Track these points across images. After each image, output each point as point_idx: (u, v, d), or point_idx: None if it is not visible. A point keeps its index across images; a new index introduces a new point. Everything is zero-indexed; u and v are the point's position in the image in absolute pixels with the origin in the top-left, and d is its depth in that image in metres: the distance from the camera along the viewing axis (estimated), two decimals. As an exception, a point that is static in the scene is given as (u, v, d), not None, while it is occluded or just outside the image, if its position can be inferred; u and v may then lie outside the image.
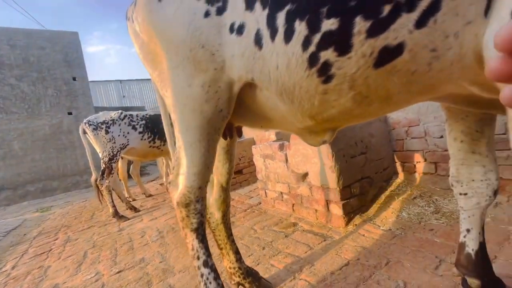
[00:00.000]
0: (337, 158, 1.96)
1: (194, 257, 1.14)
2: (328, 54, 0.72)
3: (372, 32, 0.66)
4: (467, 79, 0.69)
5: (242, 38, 0.87)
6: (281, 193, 2.55)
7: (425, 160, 2.16)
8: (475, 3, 0.57)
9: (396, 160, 2.40)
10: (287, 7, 0.76)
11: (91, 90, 9.75)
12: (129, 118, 3.85)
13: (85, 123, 3.62)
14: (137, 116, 3.95)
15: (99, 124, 3.60)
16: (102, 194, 3.63)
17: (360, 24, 0.66)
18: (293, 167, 2.34)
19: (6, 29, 7.79)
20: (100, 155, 3.64)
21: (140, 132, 3.87)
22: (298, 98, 0.85)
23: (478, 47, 0.60)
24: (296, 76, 0.80)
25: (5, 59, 7.63)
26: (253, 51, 0.85)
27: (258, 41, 0.83)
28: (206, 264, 1.14)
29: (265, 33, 0.81)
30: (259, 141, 3.92)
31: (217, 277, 1.15)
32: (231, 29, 0.88)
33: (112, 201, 3.54)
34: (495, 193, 1.03)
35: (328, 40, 0.71)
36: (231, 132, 1.24)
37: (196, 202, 1.12)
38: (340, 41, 0.70)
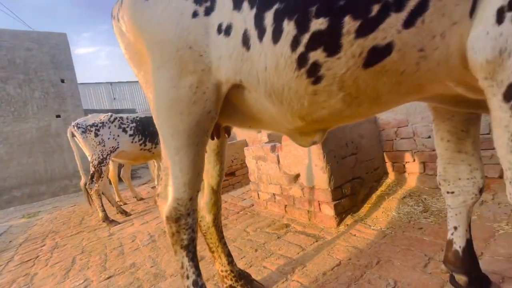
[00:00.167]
0: (328, 159, 1.97)
1: (184, 275, 1.09)
2: (317, 55, 0.72)
3: (361, 32, 0.66)
4: (453, 80, 0.71)
5: (229, 39, 0.85)
6: (274, 194, 2.56)
7: (414, 160, 2.20)
8: (461, 4, 0.58)
9: (386, 161, 2.43)
10: (275, 6, 0.75)
11: (81, 92, 9.56)
12: (119, 120, 3.79)
13: (73, 126, 3.54)
14: (127, 118, 3.90)
15: (88, 127, 3.53)
16: (91, 198, 3.56)
17: (349, 24, 0.66)
18: (285, 169, 2.35)
19: (-9, 30, 7.58)
20: (89, 158, 3.57)
21: (130, 135, 3.82)
22: (288, 99, 0.84)
23: (463, 48, 0.62)
24: (285, 77, 0.79)
25: (-11, 60, 7.41)
26: (240, 52, 0.84)
27: (245, 41, 0.82)
28: (195, 284, 1.09)
29: (253, 34, 0.80)
30: (252, 142, 3.92)
31: None
32: (219, 30, 0.87)
33: (102, 205, 3.47)
34: (481, 191, 1.06)
35: (317, 40, 0.71)
36: (219, 132, 1.22)
37: (187, 216, 1.06)
38: (329, 41, 0.69)
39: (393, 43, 0.64)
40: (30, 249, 3.13)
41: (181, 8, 0.91)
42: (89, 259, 2.42)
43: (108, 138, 3.59)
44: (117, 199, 4.55)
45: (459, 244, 1.09)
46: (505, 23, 0.56)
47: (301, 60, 0.74)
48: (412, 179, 2.24)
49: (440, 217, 1.74)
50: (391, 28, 0.63)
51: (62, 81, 8.37)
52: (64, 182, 8.00)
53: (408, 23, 0.62)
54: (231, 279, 1.38)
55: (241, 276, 1.41)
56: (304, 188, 2.19)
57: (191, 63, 0.92)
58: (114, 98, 16.23)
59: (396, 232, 1.71)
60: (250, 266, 1.69)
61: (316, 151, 2.00)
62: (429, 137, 2.08)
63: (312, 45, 0.71)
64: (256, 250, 1.89)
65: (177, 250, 1.08)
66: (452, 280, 1.11)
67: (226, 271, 1.40)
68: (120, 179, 4.78)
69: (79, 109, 8.52)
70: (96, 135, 3.51)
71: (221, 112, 1.03)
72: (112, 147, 3.63)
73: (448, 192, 1.10)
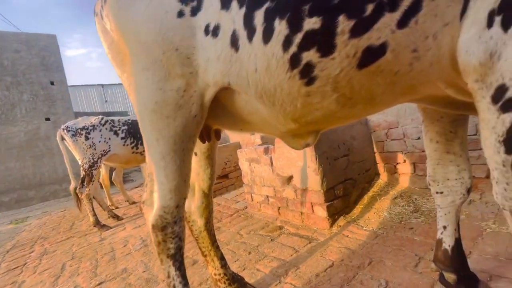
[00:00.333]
0: (321, 160, 1.99)
1: (170, 285, 1.06)
2: (310, 55, 0.70)
3: (355, 32, 0.65)
4: (444, 81, 0.72)
5: (217, 40, 0.82)
6: (267, 196, 2.56)
7: (404, 161, 2.24)
8: (452, 5, 0.59)
9: (378, 162, 2.47)
10: (266, 5, 0.73)
11: (71, 95, 9.40)
12: (110, 123, 3.73)
13: (63, 129, 3.47)
14: (119, 121, 3.84)
15: (79, 130, 3.46)
16: (81, 203, 3.49)
17: (344, 23, 0.65)
18: (278, 171, 2.35)
19: (-23, 31, 7.40)
20: (79, 162, 3.50)
21: (122, 138, 3.76)
22: (280, 100, 0.82)
23: (453, 50, 0.63)
24: (277, 78, 0.77)
25: (-25, 62, 7.22)
26: (229, 54, 0.81)
27: (234, 42, 0.79)
28: None
29: (242, 34, 0.77)
30: (245, 145, 3.92)
31: None
32: (206, 31, 0.83)
33: (93, 210, 3.40)
34: (469, 191, 1.08)
35: (310, 40, 0.69)
36: (209, 135, 1.19)
37: (174, 224, 1.02)
38: (323, 41, 0.68)
39: (387, 43, 0.64)
40: (17, 256, 3.04)
41: (165, 6, 0.87)
42: (79, 265, 2.37)
43: (99, 141, 3.53)
44: (108, 203, 4.48)
45: (448, 243, 1.11)
46: (495, 27, 0.57)
47: (294, 61, 0.72)
48: (403, 179, 2.28)
49: (430, 217, 1.77)
50: (385, 28, 0.63)
51: (52, 83, 8.21)
52: (54, 186, 7.82)
53: (402, 23, 0.62)
54: (225, 283, 1.37)
55: (235, 279, 1.40)
56: (297, 190, 2.20)
57: (178, 66, 0.88)
58: (106, 101, 16.01)
59: (387, 233, 1.73)
60: (244, 269, 1.68)
61: (308, 152, 2.01)
62: (419, 138, 2.12)
63: (305, 45, 0.70)
64: (249, 253, 1.88)
65: (164, 259, 1.05)
66: (442, 278, 1.13)
67: (219, 274, 1.39)
68: (112, 183, 4.70)
69: (69, 112, 8.36)
70: (87, 138, 3.45)
71: (211, 114, 1.00)
72: (103, 150, 3.57)
73: (437, 192, 1.12)
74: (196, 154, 1.29)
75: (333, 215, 2.02)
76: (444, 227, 1.13)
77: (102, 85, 16.05)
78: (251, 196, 2.80)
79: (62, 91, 8.36)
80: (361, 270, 1.41)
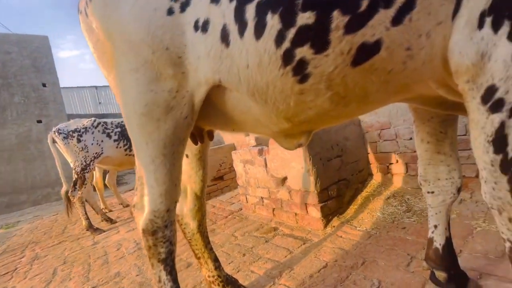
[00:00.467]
0: (314, 161, 2.00)
1: None
2: (304, 51, 0.68)
3: (350, 28, 0.64)
4: (435, 81, 0.72)
5: (207, 36, 0.79)
6: (262, 198, 2.56)
7: (397, 161, 2.27)
8: (445, 4, 0.60)
9: (371, 162, 2.49)
10: None
11: (64, 97, 9.28)
12: (103, 125, 3.69)
13: (54, 131, 3.43)
14: (112, 123, 3.81)
15: (70, 133, 3.42)
16: (71, 207, 3.44)
17: (338, 19, 0.63)
18: (273, 172, 2.35)
19: (-34, 32, 7.26)
20: (71, 165, 3.45)
21: (115, 140, 3.73)
22: (272, 98, 0.79)
23: (445, 49, 0.63)
24: (269, 75, 0.74)
25: (-35, 64, 7.09)
26: (219, 50, 0.78)
27: (224, 37, 0.76)
28: None
29: (233, 28, 0.74)
30: (240, 146, 3.92)
31: None
32: (196, 27, 0.80)
33: (86, 213, 3.35)
34: (459, 190, 1.10)
35: (304, 36, 0.67)
36: (202, 136, 1.17)
37: (164, 228, 1.00)
38: (317, 37, 0.66)
39: (381, 41, 0.64)
40: (7, 261, 2.98)
41: (153, 3, 0.83)
42: (71, 269, 2.33)
43: (92, 144, 3.49)
44: (102, 206, 4.42)
45: (439, 242, 1.13)
46: (485, 28, 0.58)
47: (287, 57, 0.70)
48: (395, 179, 2.30)
49: (422, 216, 1.79)
50: (379, 25, 0.62)
51: (44, 85, 8.10)
52: (46, 190, 7.69)
53: (397, 20, 0.61)
54: (219, 285, 1.36)
55: (229, 281, 1.39)
56: (291, 191, 2.20)
57: (170, 66, 0.85)
58: (100, 103, 15.83)
59: (380, 233, 1.74)
60: (238, 271, 1.67)
61: (302, 153, 2.02)
62: (411, 138, 2.15)
63: (298, 41, 0.68)
64: (244, 255, 1.87)
65: (154, 264, 1.03)
66: (433, 276, 1.14)
67: (213, 276, 1.38)
68: (105, 186, 4.64)
69: (62, 114, 8.25)
70: (79, 140, 3.41)
71: (203, 115, 0.98)
72: (96, 153, 3.53)
73: (428, 192, 1.13)
74: (187, 156, 1.27)
75: (327, 215, 2.03)
76: (435, 226, 1.14)
77: (96, 87, 15.88)
78: (246, 198, 2.79)
79: (54, 93, 8.26)
80: (355, 270, 1.42)
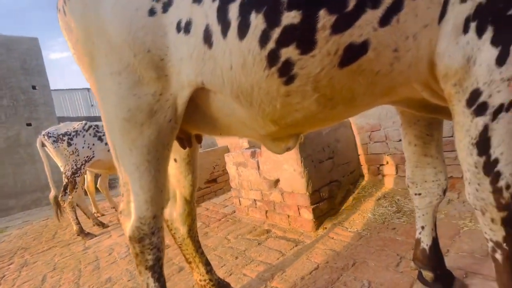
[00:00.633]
0: (306, 163, 2.01)
1: None
2: (289, 52, 0.67)
3: (337, 28, 0.62)
4: (420, 83, 0.73)
5: (189, 37, 0.76)
6: (255, 200, 2.56)
7: (387, 162, 2.30)
8: (432, 7, 0.60)
9: (362, 164, 2.52)
10: None
11: (55, 99, 9.14)
12: (94, 128, 3.65)
13: (43, 135, 3.37)
14: (103, 126, 3.76)
15: (60, 136, 3.37)
16: (61, 212, 3.38)
17: (325, 19, 0.62)
18: (265, 174, 2.36)
19: (-47, 33, 7.09)
20: (61, 169, 3.39)
21: (107, 143, 3.68)
22: (258, 101, 0.77)
23: (431, 53, 0.64)
24: (254, 77, 0.72)
25: (-49, 66, 6.92)
26: (202, 51, 0.75)
27: (207, 38, 0.73)
28: None
29: (216, 29, 0.72)
30: (233, 148, 3.92)
31: None
32: (178, 28, 0.77)
33: (76, 218, 3.30)
34: (444, 191, 1.12)
35: (289, 36, 0.65)
36: (189, 141, 1.15)
37: (151, 235, 0.98)
38: (303, 37, 0.65)
39: (369, 41, 0.63)
40: (-5, 268, 2.91)
41: (135, 3, 0.79)
42: (61, 276, 2.29)
43: (83, 147, 3.44)
44: (94, 210, 4.36)
45: (426, 243, 1.15)
46: (470, 33, 0.59)
47: (272, 58, 0.68)
48: (386, 180, 2.34)
49: (411, 216, 1.82)
50: (367, 25, 0.62)
51: (34, 87, 7.96)
52: (36, 194, 7.54)
53: (384, 21, 0.61)
54: (210, 289, 1.36)
55: (220, 285, 1.39)
56: (283, 193, 2.21)
57: (152, 68, 0.82)
58: (92, 105, 15.62)
59: (371, 234, 1.77)
60: (230, 274, 1.67)
61: (294, 156, 2.04)
62: (400, 140, 2.17)
63: (283, 41, 0.66)
64: (236, 258, 1.87)
65: (142, 271, 1.01)
66: (420, 276, 1.16)
67: (205, 280, 1.38)
68: (97, 189, 4.58)
69: (52, 117, 8.12)
70: (69, 144, 3.36)
71: (189, 119, 0.96)
72: (87, 156, 3.48)
73: (416, 194, 1.16)
74: (176, 161, 1.26)
75: (319, 217, 2.05)
76: (422, 227, 1.16)
77: (88, 89, 15.66)
78: (239, 200, 2.79)
79: (44, 95, 8.12)
80: (345, 271, 1.43)
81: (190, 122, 0.99)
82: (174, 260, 2.04)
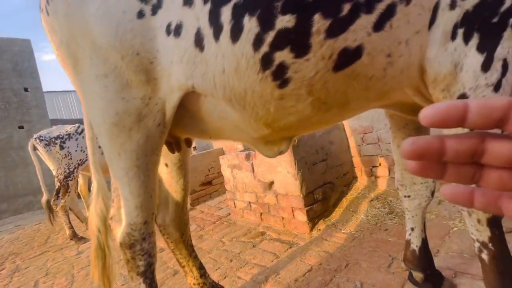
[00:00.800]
0: (300, 165, 2.03)
1: None
2: (283, 55, 0.66)
3: (331, 32, 0.63)
4: (412, 88, 0.75)
5: (180, 40, 0.74)
6: (249, 202, 2.57)
7: (380, 164, 2.33)
8: (422, 14, 0.62)
9: (355, 165, 2.55)
10: (234, 0, 0.67)
11: (48, 101, 9.04)
12: (88, 131, 3.61)
13: (35, 138, 3.33)
14: (96, 129, 3.73)
15: (53, 139, 3.33)
16: (54, 216, 3.34)
17: (319, 23, 0.62)
18: (260, 176, 2.37)
19: None
20: (54, 172, 3.36)
21: (100, 146, 3.65)
22: (251, 104, 0.77)
23: (421, 58, 0.66)
24: (248, 80, 0.72)
25: None
26: (193, 54, 0.74)
27: (198, 41, 0.72)
28: None
29: (207, 32, 0.71)
30: (228, 151, 3.92)
31: None
32: (168, 31, 0.75)
33: (69, 222, 3.26)
34: (433, 193, 1.15)
35: (283, 39, 0.65)
36: (179, 145, 1.14)
37: (142, 240, 0.97)
38: (297, 41, 0.65)
39: (363, 46, 0.64)
40: (-14, 274, 2.85)
41: (122, 5, 0.77)
42: (53, 281, 2.26)
43: (76, 151, 3.41)
44: (87, 214, 4.31)
45: (416, 244, 1.17)
46: (458, 39, 0.61)
47: (266, 61, 0.68)
48: (378, 182, 2.37)
49: (403, 217, 1.84)
50: (361, 30, 0.62)
51: (26, 89, 7.86)
52: (28, 198, 7.42)
53: (378, 26, 0.62)
54: (204, 292, 1.36)
55: (214, 288, 1.39)
56: (278, 195, 2.22)
57: (142, 72, 0.80)
58: (85, 107, 15.44)
59: (364, 235, 1.79)
60: (225, 277, 1.68)
61: (287, 158, 2.05)
62: (392, 142, 2.22)
63: (277, 45, 0.66)
64: (231, 261, 1.88)
65: (134, 277, 1.00)
66: (411, 277, 1.19)
67: (199, 284, 1.38)
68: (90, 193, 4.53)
69: (45, 120, 8.01)
70: (62, 147, 3.32)
71: (178, 123, 0.95)
72: (80, 160, 3.45)
73: (405, 196, 1.18)
74: (167, 165, 1.26)
75: (313, 219, 2.06)
76: (412, 229, 1.19)
77: (81, 91, 15.49)
78: (234, 203, 2.80)
79: (37, 97, 8.02)
80: (338, 273, 1.45)
81: (179, 126, 0.98)
82: (168, 263, 2.03)
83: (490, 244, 0.80)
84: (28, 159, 7.35)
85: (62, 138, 3.37)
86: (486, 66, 0.63)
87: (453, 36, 0.62)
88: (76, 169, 3.41)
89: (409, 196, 1.17)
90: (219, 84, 0.75)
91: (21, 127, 7.63)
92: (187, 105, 0.88)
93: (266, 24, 0.65)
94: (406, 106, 0.94)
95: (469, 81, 0.65)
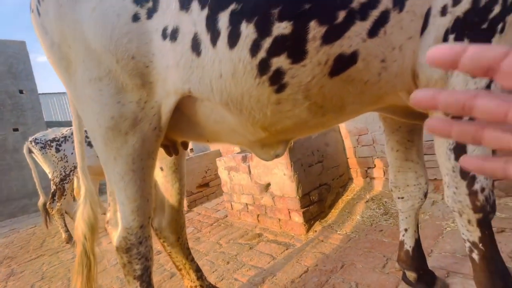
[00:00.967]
0: (296, 167, 2.05)
1: None
2: (280, 61, 0.68)
3: (327, 39, 0.64)
4: (406, 92, 0.77)
5: (176, 45, 0.74)
6: (246, 204, 2.58)
7: (375, 165, 2.36)
8: (415, 20, 0.64)
9: (351, 167, 2.57)
10: (232, 7, 0.67)
11: (44, 103, 8.97)
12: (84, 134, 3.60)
13: (30, 141, 3.31)
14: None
15: (48, 142, 3.31)
16: (50, 219, 3.32)
17: (315, 30, 0.64)
18: (256, 178, 2.38)
19: None
20: (49, 175, 3.34)
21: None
22: (248, 108, 0.77)
23: (414, 63, 0.68)
24: (245, 85, 0.73)
25: None
26: (189, 59, 0.74)
27: (195, 46, 0.73)
28: None
29: (205, 38, 0.71)
30: (225, 153, 3.93)
31: None
32: (164, 35, 0.75)
33: (65, 226, 3.24)
34: (425, 195, 1.17)
35: (280, 46, 0.66)
36: (176, 148, 1.14)
37: (139, 244, 0.96)
38: (294, 47, 0.66)
39: (358, 52, 0.66)
40: (-20, 279, 2.82)
41: (117, 9, 0.76)
42: (49, 285, 2.24)
43: (71, 153, 3.39)
44: (83, 217, 4.28)
45: (409, 244, 1.19)
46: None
47: (263, 67, 0.69)
48: (374, 183, 2.39)
49: (398, 218, 1.87)
50: (356, 36, 0.64)
51: (21, 92, 7.80)
52: (23, 201, 7.34)
53: (372, 32, 0.64)
54: (201, 295, 1.37)
55: (211, 290, 1.40)
56: (274, 197, 2.24)
57: (137, 75, 0.80)
58: (81, 109, 15.33)
59: (359, 236, 1.81)
60: (222, 280, 1.68)
61: (284, 160, 2.07)
62: (387, 143, 2.24)
63: (274, 51, 0.67)
64: (228, 263, 1.88)
65: (130, 281, 1.00)
66: (404, 277, 1.20)
67: (196, 286, 1.38)
68: (86, 196, 4.50)
69: (40, 122, 7.95)
70: (58, 150, 3.31)
71: (175, 126, 0.94)
72: (76, 162, 3.43)
73: (399, 198, 1.20)
74: (162, 169, 1.26)
75: (309, 220, 2.08)
76: (405, 230, 1.20)
77: (77, 93, 15.37)
78: (231, 205, 2.80)
79: (32, 100, 7.96)
80: (334, 274, 1.46)
81: (176, 130, 0.98)
82: (165, 266, 2.03)
83: (481, 244, 0.82)
84: (23, 162, 7.29)
85: (58, 140, 3.36)
86: None
87: (445, 42, 0.64)
88: (72, 172, 3.39)
89: (402, 198, 1.19)
90: (216, 89, 0.76)
91: (16, 130, 7.57)
92: (184, 109, 0.88)
93: (263, 30, 0.66)
94: (399, 109, 0.96)
95: (460, 85, 0.67)
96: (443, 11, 0.64)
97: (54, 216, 3.28)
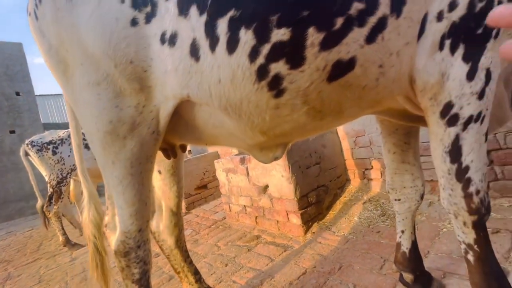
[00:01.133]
0: (294, 169, 2.05)
1: None
2: (279, 67, 0.69)
3: (325, 45, 0.65)
4: (403, 96, 0.79)
5: (175, 50, 0.75)
6: (244, 206, 2.58)
7: (372, 167, 2.37)
8: (412, 26, 0.66)
9: (348, 168, 2.59)
10: (230, 13, 0.68)
11: (41, 105, 8.93)
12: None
13: (27, 144, 3.29)
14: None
15: (45, 145, 3.29)
16: (48, 221, 3.30)
17: (314, 36, 0.65)
18: (254, 180, 2.39)
19: None
20: (46, 178, 3.32)
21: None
22: (247, 113, 0.78)
23: (412, 69, 0.70)
24: (244, 90, 0.73)
25: None
26: (188, 64, 0.75)
27: (194, 52, 0.73)
28: None
29: (203, 43, 0.72)
30: (223, 155, 3.93)
31: None
32: (162, 40, 0.75)
33: (62, 229, 3.22)
34: (422, 197, 1.18)
35: (279, 52, 0.67)
36: (174, 151, 1.14)
37: (137, 248, 0.96)
38: (292, 53, 0.67)
39: (356, 58, 0.67)
40: (-24, 283, 2.80)
41: (115, 13, 0.76)
42: (46, 289, 2.23)
43: (69, 156, 3.38)
44: (81, 219, 4.26)
45: (406, 246, 1.20)
46: (445, 50, 0.65)
47: (261, 72, 0.70)
48: (371, 185, 2.41)
49: (395, 220, 1.88)
50: (354, 42, 0.65)
51: (17, 93, 7.76)
52: (20, 204, 7.29)
53: (370, 38, 0.65)
54: (199, 297, 1.37)
55: (210, 293, 1.40)
56: (272, 199, 2.24)
57: (135, 80, 0.80)
58: (79, 111, 15.24)
59: (357, 237, 1.81)
60: (220, 282, 1.68)
61: (282, 162, 2.07)
62: (384, 145, 2.26)
63: (273, 57, 0.68)
64: (226, 265, 1.88)
65: (128, 285, 1.00)
66: (401, 278, 1.21)
67: (194, 289, 1.38)
68: (84, 198, 4.48)
69: (37, 124, 7.91)
70: (54, 153, 3.29)
71: (173, 130, 0.95)
72: (73, 165, 3.42)
73: (395, 200, 1.21)
74: (160, 172, 1.26)
75: (307, 222, 2.08)
76: (402, 232, 1.21)
77: (74, 94, 15.29)
78: (229, 207, 2.80)
79: (29, 101, 7.92)
80: (332, 275, 1.47)
81: (174, 133, 0.98)
82: (164, 269, 2.03)
83: (476, 246, 0.83)
84: (20, 164, 7.23)
85: (55, 143, 3.34)
86: (471, 76, 0.67)
87: (441, 47, 0.66)
88: (69, 174, 3.37)
89: (399, 200, 1.20)
90: (215, 94, 0.76)
91: (12, 132, 7.53)
92: (182, 113, 0.89)
93: (262, 37, 0.67)
94: (397, 112, 0.98)
95: (455, 89, 0.69)
96: (439, 17, 0.65)
97: (51, 219, 3.26)
